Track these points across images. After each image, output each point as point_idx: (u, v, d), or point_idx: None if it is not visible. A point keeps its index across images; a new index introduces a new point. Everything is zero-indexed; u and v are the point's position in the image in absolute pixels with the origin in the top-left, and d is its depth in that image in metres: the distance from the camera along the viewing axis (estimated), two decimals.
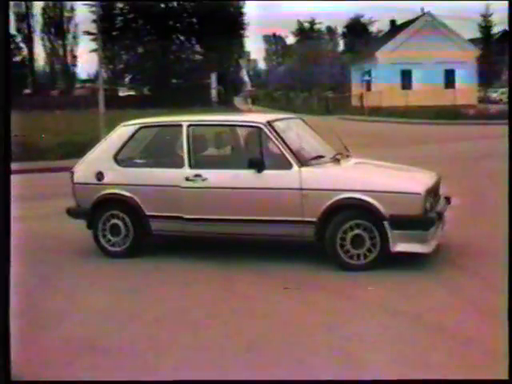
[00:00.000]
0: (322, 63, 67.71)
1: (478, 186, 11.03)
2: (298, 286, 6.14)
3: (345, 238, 6.45)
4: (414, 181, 6.85)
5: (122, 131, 7.53)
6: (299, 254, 7.05)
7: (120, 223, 7.24)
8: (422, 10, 47.10)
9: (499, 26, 62.28)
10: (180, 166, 7.00)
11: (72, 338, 4.88)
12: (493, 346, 4.54)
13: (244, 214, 6.75)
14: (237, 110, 39.62)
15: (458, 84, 44.93)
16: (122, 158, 7.37)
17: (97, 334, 5.01)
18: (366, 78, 47.69)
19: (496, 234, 7.86)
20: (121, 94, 54.79)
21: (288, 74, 70.44)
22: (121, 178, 7.25)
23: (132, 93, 54.97)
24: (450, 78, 45.29)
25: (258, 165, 6.66)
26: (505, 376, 3.65)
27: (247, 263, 6.91)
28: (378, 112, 39.90)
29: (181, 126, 7.17)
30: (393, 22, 55.22)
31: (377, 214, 6.35)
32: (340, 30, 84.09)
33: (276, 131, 6.84)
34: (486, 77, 51.78)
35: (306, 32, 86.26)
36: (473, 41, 50.90)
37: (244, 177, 6.78)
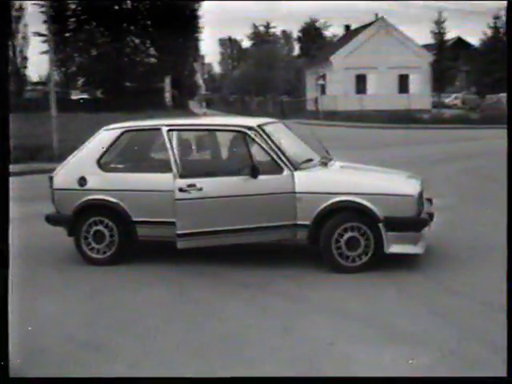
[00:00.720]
0: (277, 67, 67.96)
1: (435, 190, 11.09)
2: (255, 289, 6.16)
3: (340, 241, 6.53)
4: (406, 183, 7.02)
5: (105, 135, 7.33)
6: (257, 258, 7.07)
7: (104, 230, 7.08)
8: (377, 15, 47.72)
9: (452, 33, 63.51)
10: (168, 170, 6.79)
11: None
12: (443, 345, 4.67)
13: (241, 223, 6.67)
14: (192, 114, 39.52)
15: (412, 89, 45.52)
16: (105, 163, 7.22)
17: (47, 340, 4.95)
18: (321, 82, 48.03)
19: (457, 237, 8.01)
20: (73, 97, 54.06)
21: (243, 77, 70.47)
22: (105, 184, 7.07)
23: (85, 96, 54.29)
24: (404, 83, 45.85)
25: (255, 170, 6.57)
26: (503, 373, 3.76)
27: (203, 267, 6.90)
28: (333, 116, 40.24)
29: (167, 130, 6.93)
30: (347, 27, 55.74)
31: (371, 216, 6.46)
32: (295, 34, 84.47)
33: (267, 135, 6.81)
34: (440, 82, 52.56)
35: (261, 36, 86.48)
36: (426, 47, 51.61)
37: (240, 184, 6.68)
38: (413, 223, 6.56)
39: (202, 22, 54.98)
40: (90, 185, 7.09)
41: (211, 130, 7.58)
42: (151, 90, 48.12)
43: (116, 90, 48.19)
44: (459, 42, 63.13)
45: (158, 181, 6.89)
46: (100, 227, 7.08)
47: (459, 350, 4.60)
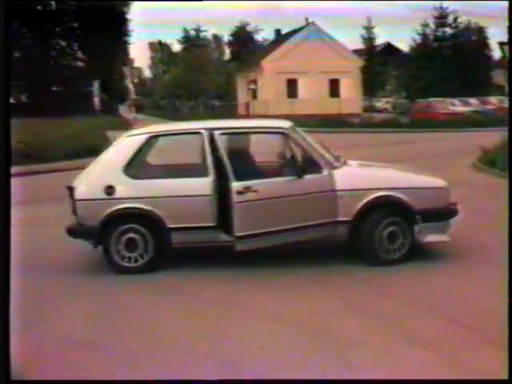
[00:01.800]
0: (208, 71, 67.90)
1: None
2: (188, 295, 6.18)
3: (381, 235, 6.90)
4: (432, 177, 7.63)
5: (129, 142, 7.22)
6: (189, 262, 7.07)
7: (138, 238, 6.92)
8: (307, 20, 48.23)
9: (382, 38, 64.72)
10: (203, 174, 6.89)
11: None
12: (373, 347, 4.76)
13: (290, 223, 6.84)
14: (122, 119, 39.09)
15: (342, 93, 46.22)
16: (133, 170, 7.03)
17: None
18: (252, 86, 48.24)
19: None
20: None
21: (174, 82, 70.09)
22: (136, 191, 6.92)
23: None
24: (334, 88, 46.48)
25: (303, 170, 6.84)
26: (505, 376, 3.77)
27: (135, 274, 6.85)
28: None
29: (200, 133, 7.03)
30: (278, 31, 56.14)
31: (408, 209, 6.93)
32: (226, 37, 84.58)
33: (301, 135, 7.23)
34: (370, 87, 53.47)
35: (192, 40, 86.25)
36: (357, 52, 52.47)
37: (288, 184, 6.85)
38: (445, 213, 7.13)
39: (131, 25, 54.57)
40: (118, 193, 6.89)
41: (253, 133, 7.52)
42: (79, 95, 47.34)
43: (42, 95, 47.21)
44: (389, 47, 64.42)
45: (193, 186, 6.91)
46: (133, 235, 6.91)
47: (390, 350, 4.68)
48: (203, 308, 5.79)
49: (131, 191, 6.92)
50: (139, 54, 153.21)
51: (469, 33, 56.47)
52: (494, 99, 42.16)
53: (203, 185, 6.85)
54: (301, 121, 36.63)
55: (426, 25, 55.72)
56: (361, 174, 7.34)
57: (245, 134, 7.50)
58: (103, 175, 7.03)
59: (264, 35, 79.66)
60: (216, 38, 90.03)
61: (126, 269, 6.89)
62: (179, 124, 8.00)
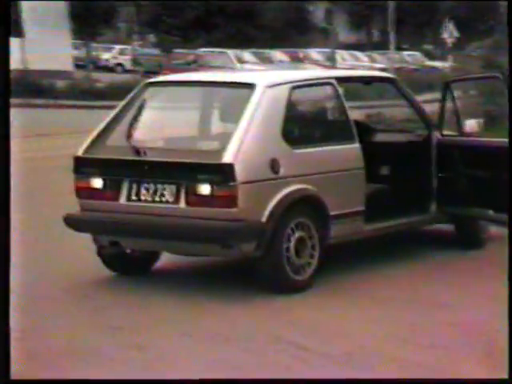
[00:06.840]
0: None
1: None
2: None
3: None
4: None
5: (275, 95, 5.32)
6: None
7: (305, 236, 5.30)
8: None
9: None
10: (351, 138, 5.79)
11: None
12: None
13: None
14: None
15: None
16: (290, 136, 5.37)
17: None
18: None
19: None
20: None
21: None
22: (300, 167, 5.32)
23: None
24: None
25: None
26: (505, 375, 3.66)
27: None
28: None
29: (332, 84, 5.75)
30: None
31: None
32: None
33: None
34: (87, 24, 36.49)
35: None
36: None
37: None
38: None
39: None
40: (284, 170, 5.15)
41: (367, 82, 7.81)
42: None
43: None
44: None
45: (344, 155, 5.63)
46: (301, 233, 5.25)
47: None
48: None
49: (296, 166, 5.29)
50: None
51: None
52: None
53: (351, 153, 5.70)
54: None
55: None
56: None
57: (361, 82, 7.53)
58: (263, 143, 5.18)
59: None
60: None
61: (298, 283, 5.47)
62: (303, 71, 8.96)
